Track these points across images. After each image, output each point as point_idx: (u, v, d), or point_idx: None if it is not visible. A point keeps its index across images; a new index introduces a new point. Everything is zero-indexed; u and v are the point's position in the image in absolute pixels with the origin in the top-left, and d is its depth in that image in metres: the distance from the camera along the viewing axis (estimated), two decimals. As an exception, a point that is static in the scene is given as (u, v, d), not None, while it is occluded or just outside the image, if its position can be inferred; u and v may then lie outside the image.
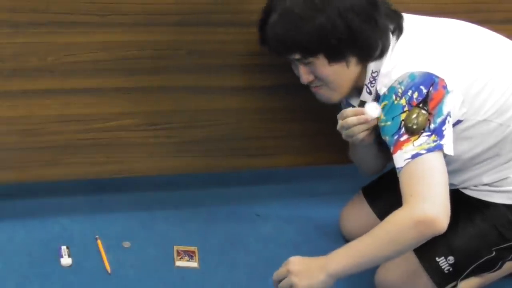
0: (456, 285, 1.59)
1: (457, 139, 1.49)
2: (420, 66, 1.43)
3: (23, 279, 1.62)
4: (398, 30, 1.50)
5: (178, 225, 1.86)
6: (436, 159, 1.39)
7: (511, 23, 1.94)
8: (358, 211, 1.81)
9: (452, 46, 1.50)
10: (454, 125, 1.47)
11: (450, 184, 1.60)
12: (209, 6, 1.69)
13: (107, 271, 1.67)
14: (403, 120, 1.41)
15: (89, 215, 1.86)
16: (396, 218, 1.37)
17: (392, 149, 1.42)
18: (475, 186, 1.60)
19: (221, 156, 1.91)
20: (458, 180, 1.59)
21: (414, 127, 1.39)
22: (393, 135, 1.42)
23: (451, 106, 1.43)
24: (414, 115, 1.39)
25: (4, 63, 1.62)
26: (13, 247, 1.72)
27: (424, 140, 1.39)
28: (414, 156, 1.38)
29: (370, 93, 1.51)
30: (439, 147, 1.39)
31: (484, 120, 1.49)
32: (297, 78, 1.86)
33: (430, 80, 1.41)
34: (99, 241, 1.76)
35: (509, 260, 1.62)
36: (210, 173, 2.02)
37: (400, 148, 1.40)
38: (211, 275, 1.70)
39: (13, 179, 1.79)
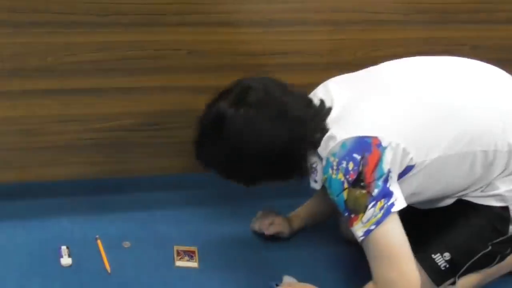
0: (454, 281, 1.59)
1: (428, 180, 1.50)
2: (350, 132, 1.43)
3: (23, 279, 1.62)
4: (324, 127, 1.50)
5: (178, 225, 1.86)
6: (387, 230, 1.42)
7: (512, 23, 1.94)
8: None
9: (383, 98, 1.49)
10: (407, 172, 1.47)
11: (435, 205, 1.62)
12: (209, 6, 1.69)
13: (107, 271, 1.67)
14: (345, 201, 1.43)
15: (89, 215, 1.86)
16: None
17: (347, 222, 1.46)
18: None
19: (221, 156, 1.91)
20: (441, 203, 1.61)
21: (357, 208, 1.42)
22: (343, 211, 1.45)
23: (391, 161, 1.43)
24: (353, 199, 1.42)
25: (4, 63, 1.63)
26: (13, 247, 1.71)
27: (371, 214, 1.41)
28: (366, 233, 1.43)
29: (316, 181, 1.54)
30: (387, 214, 1.41)
31: (439, 156, 1.48)
32: (297, 79, 1.87)
33: (362, 144, 1.42)
34: (99, 241, 1.76)
35: (507, 254, 1.62)
36: (210, 173, 2.01)
37: (352, 225, 1.45)
38: (211, 275, 1.70)
39: (13, 179, 1.79)
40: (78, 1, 1.60)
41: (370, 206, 1.41)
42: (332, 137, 1.45)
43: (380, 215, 1.41)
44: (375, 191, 1.41)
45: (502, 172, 1.53)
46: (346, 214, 1.44)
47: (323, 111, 1.50)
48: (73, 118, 1.74)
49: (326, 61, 1.83)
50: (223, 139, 1.49)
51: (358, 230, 1.43)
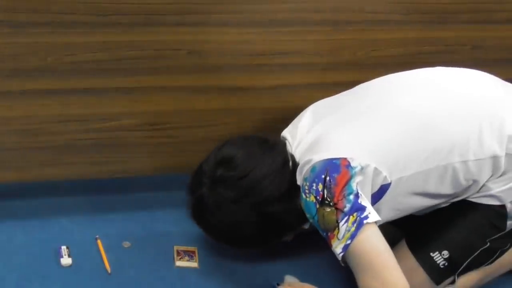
0: (454, 280, 1.60)
1: (411, 195, 1.52)
2: (320, 156, 1.46)
3: (23, 279, 1.62)
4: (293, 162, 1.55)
5: (178, 225, 1.86)
6: (364, 241, 1.43)
7: (512, 23, 1.94)
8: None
9: (357, 121, 1.52)
10: (384, 191, 1.49)
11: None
12: (209, 6, 1.68)
13: (107, 271, 1.67)
14: (318, 221, 1.45)
15: (89, 215, 1.86)
16: None
17: (328, 244, 1.48)
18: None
19: (221, 156, 1.90)
20: (436, 207, 1.61)
21: (327, 225, 1.44)
22: (322, 232, 1.48)
23: (361, 181, 1.45)
24: (321, 217, 1.44)
25: (4, 63, 1.62)
26: (13, 247, 1.71)
27: (344, 229, 1.42)
28: (344, 249, 1.43)
29: None
30: (360, 226, 1.42)
31: (417, 172, 1.49)
32: (297, 79, 1.87)
33: (330, 165, 1.44)
34: (99, 241, 1.76)
35: (507, 249, 1.63)
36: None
37: (331, 244, 1.46)
38: (211, 275, 1.70)
39: (13, 179, 1.79)
40: (78, 1, 1.59)
41: (342, 222, 1.42)
42: (306, 163, 1.49)
43: (353, 228, 1.42)
44: (347, 206, 1.42)
45: (491, 176, 1.54)
46: (324, 234, 1.46)
47: (295, 168, 1.54)
48: (73, 118, 1.74)
49: (326, 61, 1.83)
50: (205, 217, 1.59)
51: (337, 248, 1.44)
